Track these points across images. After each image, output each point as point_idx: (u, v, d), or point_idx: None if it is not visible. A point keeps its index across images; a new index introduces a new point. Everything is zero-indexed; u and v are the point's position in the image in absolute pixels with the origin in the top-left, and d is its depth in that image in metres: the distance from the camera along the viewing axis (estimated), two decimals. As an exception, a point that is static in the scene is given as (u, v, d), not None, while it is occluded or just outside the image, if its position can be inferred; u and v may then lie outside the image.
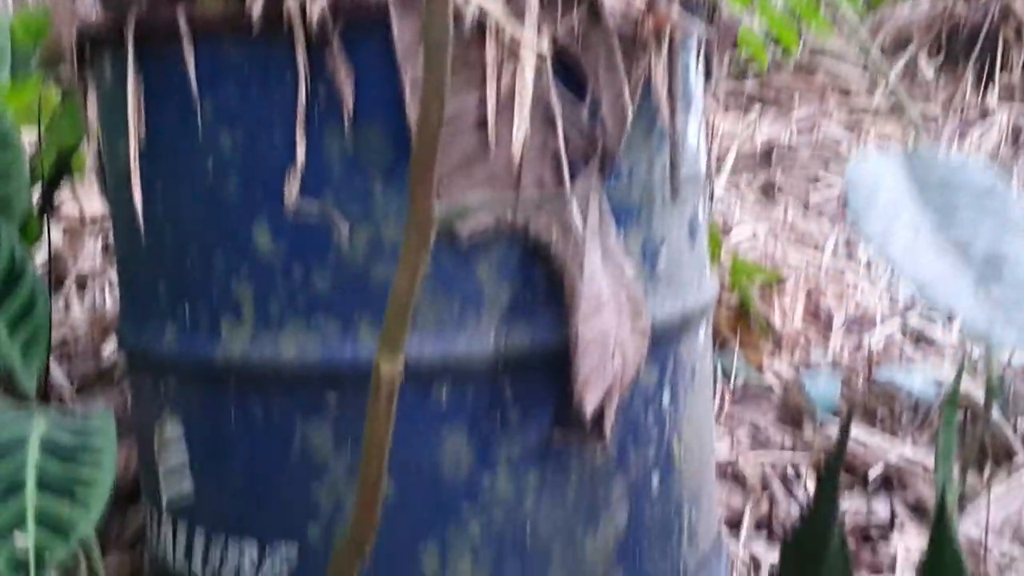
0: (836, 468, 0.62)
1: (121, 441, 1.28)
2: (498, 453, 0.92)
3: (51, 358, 1.48)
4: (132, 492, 1.29)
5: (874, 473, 1.40)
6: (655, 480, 0.99)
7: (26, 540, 0.67)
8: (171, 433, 0.98)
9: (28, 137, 1.37)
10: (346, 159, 0.87)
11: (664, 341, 0.98)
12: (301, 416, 0.91)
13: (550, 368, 0.91)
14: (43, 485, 0.70)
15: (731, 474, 1.42)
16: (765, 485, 1.40)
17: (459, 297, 0.90)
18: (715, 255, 1.64)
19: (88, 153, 1.30)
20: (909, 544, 1.27)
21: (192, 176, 0.92)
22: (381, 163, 0.87)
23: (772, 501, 1.37)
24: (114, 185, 1.02)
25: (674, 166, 0.96)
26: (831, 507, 0.61)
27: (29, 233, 1.30)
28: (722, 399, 1.58)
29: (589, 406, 0.88)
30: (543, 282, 0.91)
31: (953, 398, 0.97)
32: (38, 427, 0.75)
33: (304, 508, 0.92)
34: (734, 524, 1.34)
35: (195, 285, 0.93)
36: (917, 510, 1.36)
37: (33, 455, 0.72)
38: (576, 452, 0.94)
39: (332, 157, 0.88)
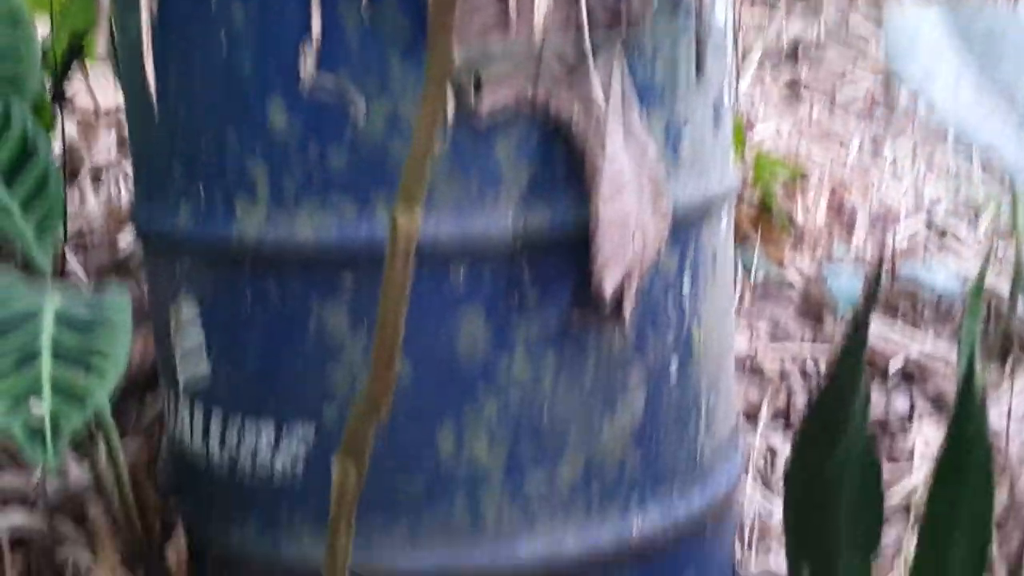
0: (863, 327, 0.60)
1: (137, 330, 1.28)
2: (515, 335, 0.91)
3: (67, 249, 1.48)
4: (149, 380, 1.30)
5: (895, 367, 1.40)
6: (674, 366, 0.98)
7: (42, 407, 0.67)
8: (187, 315, 0.97)
9: (41, 28, 1.34)
10: (363, 32, 0.85)
11: (685, 226, 0.97)
12: (317, 297, 0.90)
13: (569, 250, 0.90)
14: (58, 355, 0.70)
15: (750, 367, 1.41)
16: (784, 378, 1.40)
17: (477, 177, 0.88)
18: (738, 151, 1.61)
19: (101, 36, 1.27)
20: (928, 436, 1.26)
21: (205, 51, 0.90)
22: (399, 36, 0.85)
23: (790, 393, 1.37)
24: (127, 64, 1.00)
25: (700, 44, 0.93)
26: (857, 369, 0.60)
27: (42, 120, 1.28)
28: (742, 294, 1.56)
29: (608, 288, 0.87)
30: (563, 162, 0.89)
31: (979, 285, 0.95)
32: (53, 300, 0.74)
33: (320, 389, 0.92)
34: (752, 416, 1.34)
35: (209, 164, 0.92)
36: (937, 403, 1.35)
37: (48, 326, 0.71)
38: (594, 336, 0.93)
39: (348, 30, 0.85)
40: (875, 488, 0.63)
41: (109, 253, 1.58)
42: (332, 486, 0.52)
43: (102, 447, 1.07)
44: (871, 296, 0.59)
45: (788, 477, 0.67)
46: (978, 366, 0.68)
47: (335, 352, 0.91)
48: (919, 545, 0.67)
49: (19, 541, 1.12)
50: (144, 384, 1.30)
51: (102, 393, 0.70)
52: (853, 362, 0.60)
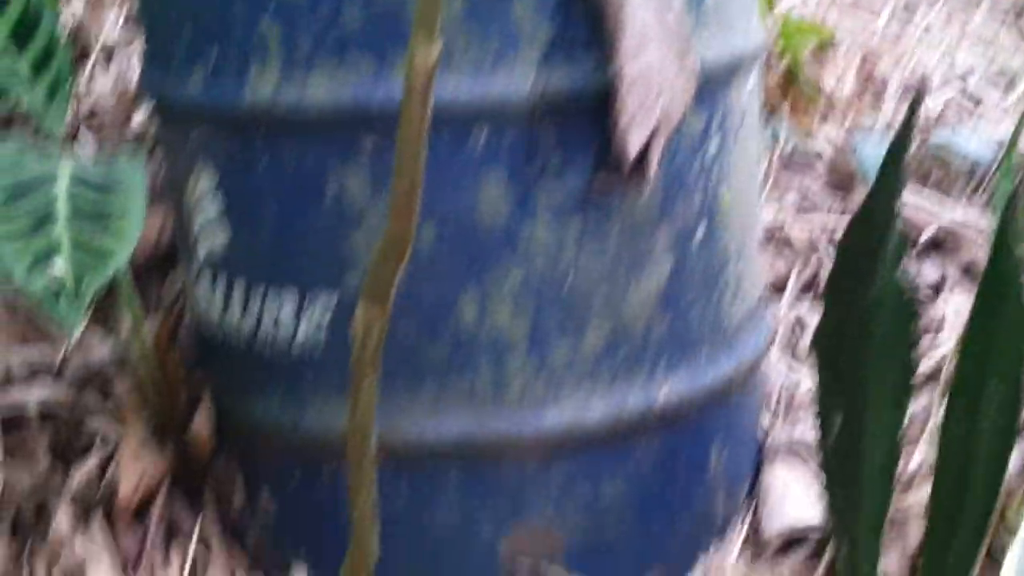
0: (903, 146, 0.57)
1: (155, 208, 1.27)
2: (538, 201, 0.89)
3: (80, 126, 1.46)
4: (169, 259, 1.29)
5: (925, 236, 1.37)
6: (700, 231, 0.96)
7: (63, 267, 0.66)
8: (204, 185, 0.95)
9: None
10: None
11: (712, 85, 0.93)
12: (335, 162, 0.88)
13: (592, 111, 0.87)
14: (75, 216, 0.69)
15: (777, 238, 1.39)
16: (812, 249, 1.37)
17: (496, 37, 0.85)
18: (764, 19, 1.56)
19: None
20: (959, 306, 1.24)
21: (210, -93, 0.86)
22: None
23: (819, 265, 1.35)
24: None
25: None
26: (893, 200, 0.57)
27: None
28: (769, 165, 1.53)
29: (633, 147, 0.84)
30: (584, 19, 0.86)
31: (1012, 145, 0.92)
32: (67, 164, 0.72)
33: (341, 257, 0.91)
34: (780, 288, 1.32)
35: (219, 25, 0.89)
36: (968, 273, 1.32)
37: (63, 188, 0.70)
38: (619, 200, 0.91)
39: None
40: (909, 330, 0.61)
41: (121, 133, 1.56)
42: (355, 334, 0.50)
43: (126, 322, 1.06)
44: (908, 126, 0.56)
45: (821, 319, 0.65)
46: (1012, 226, 0.65)
47: (355, 219, 0.89)
48: (948, 408, 0.66)
49: (46, 414, 1.12)
50: (164, 263, 1.30)
51: (122, 253, 0.68)
52: (890, 193, 0.58)
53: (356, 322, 0.49)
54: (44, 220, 0.69)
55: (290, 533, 1.04)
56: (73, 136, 1.41)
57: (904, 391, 0.63)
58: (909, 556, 0.97)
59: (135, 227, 0.70)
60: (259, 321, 0.96)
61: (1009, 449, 0.64)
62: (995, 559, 0.85)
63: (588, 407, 0.94)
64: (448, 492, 0.96)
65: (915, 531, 1.00)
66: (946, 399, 0.66)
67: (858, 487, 0.66)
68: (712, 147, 0.95)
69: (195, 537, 1.06)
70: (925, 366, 1.17)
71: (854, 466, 0.65)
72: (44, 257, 0.66)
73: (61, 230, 0.68)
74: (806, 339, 1.28)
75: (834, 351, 0.64)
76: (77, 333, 1.12)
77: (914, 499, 1.00)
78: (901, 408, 0.63)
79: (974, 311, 0.63)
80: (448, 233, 0.89)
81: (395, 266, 0.46)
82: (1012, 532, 0.79)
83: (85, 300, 0.66)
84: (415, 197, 0.44)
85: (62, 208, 0.69)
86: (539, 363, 0.92)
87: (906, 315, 0.60)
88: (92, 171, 0.74)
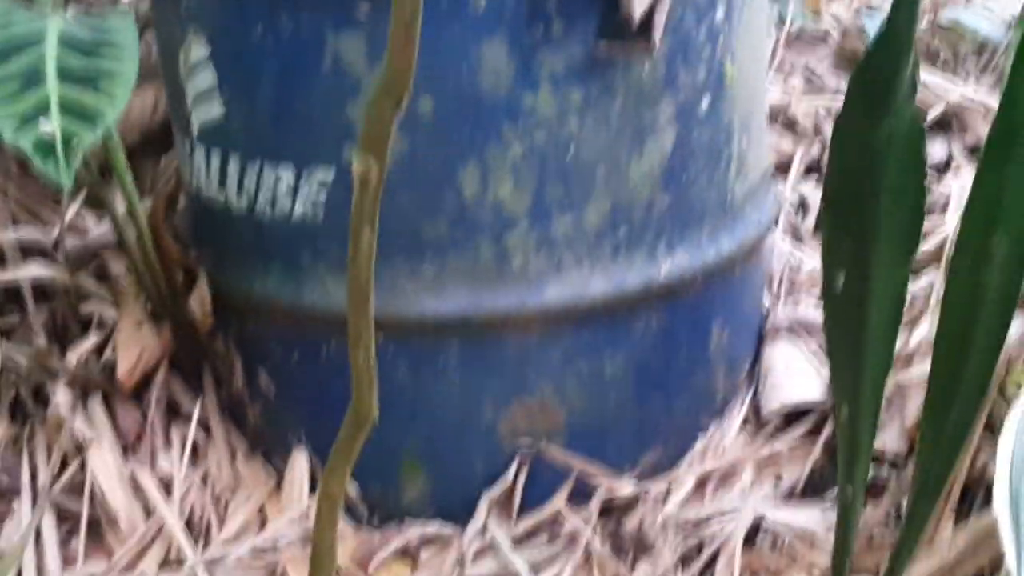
0: None
1: (148, 85, 1.24)
2: (540, 69, 0.87)
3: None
4: (164, 139, 1.26)
5: (933, 114, 1.34)
6: (705, 103, 0.94)
7: (52, 127, 0.64)
8: (197, 55, 0.92)
9: None
10: None
11: (720, -50, 0.90)
12: (332, 29, 0.85)
13: (596, -26, 0.84)
14: (64, 76, 0.67)
15: (783, 119, 1.36)
16: (818, 130, 1.35)
17: None
18: None
19: None
20: (966, 185, 1.22)
21: None
22: None
23: (824, 145, 1.32)
24: None
25: None
26: (909, 29, 0.55)
27: None
28: (776, 45, 1.49)
29: (637, 10, 0.82)
30: None
31: (1022, 18, 0.89)
32: (55, 24, 0.70)
33: (338, 129, 0.88)
34: (784, 168, 1.30)
35: None
36: (975, 153, 1.30)
37: (52, 47, 0.68)
38: (622, 69, 0.88)
39: None
40: (917, 175, 0.59)
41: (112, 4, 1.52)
42: (353, 184, 0.49)
43: (121, 203, 1.05)
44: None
45: (829, 163, 0.63)
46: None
47: (352, 89, 0.87)
48: (952, 264, 0.64)
49: (42, 294, 1.11)
50: (158, 144, 1.27)
51: (112, 112, 0.67)
52: (906, 20, 0.55)
53: (354, 171, 0.47)
54: (33, 80, 0.67)
55: (289, 413, 1.04)
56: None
57: (912, 239, 0.61)
58: (908, 430, 0.97)
59: (125, 88, 0.68)
60: (256, 197, 0.94)
61: (1012, 306, 0.63)
62: (994, 432, 0.85)
63: (589, 282, 0.93)
64: (449, 369, 0.95)
65: (914, 407, 1.00)
66: (952, 256, 0.64)
67: (862, 342, 0.65)
68: (718, 14, 0.92)
69: (195, 419, 1.06)
70: (930, 244, 1.16)
71: (859, 318, 0.64)
72: (33, 116, 0.64)
73: (50, 90, 0.66)
74: (809, 220, 1.27)
75: (842, 197, 0.62)
76: (73, 207, 1.10)
77: (915, 374, 1.00)
78: (909, 257, 0.62)
79: (982, 164, 0.61)
80: (448, 103, 0.87)
81: (394, 108, 0.44)
82: (1010, 403, 0.78)
83: (75, 158, 0.64)
84: (415, 28, 0.42)
85: (51, 68, 0.67)
86: (540, 238, 0.91)
87: (916, 156, 0.58)
88: (82, 31, 0.71)
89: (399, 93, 0.43)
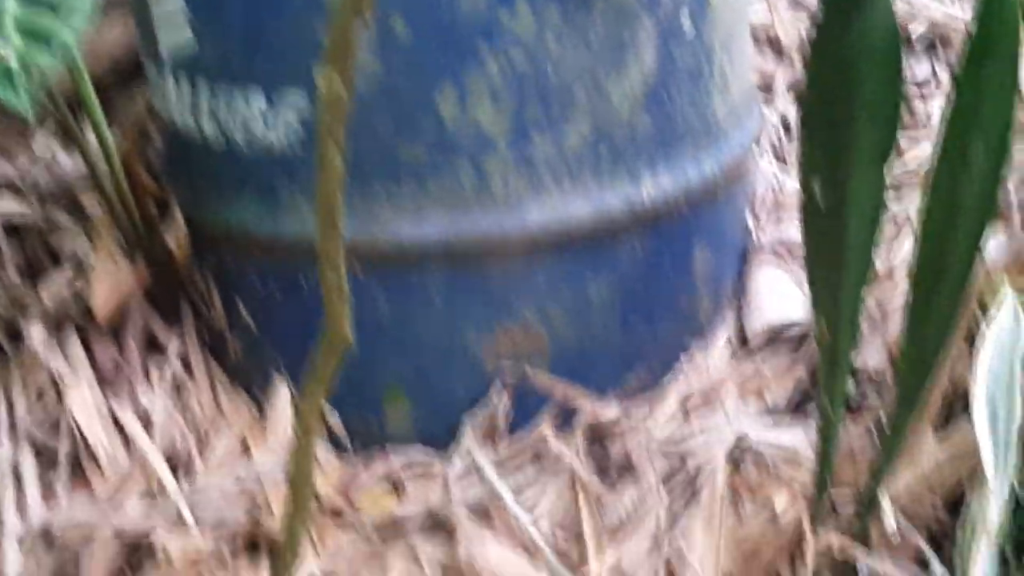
0: None
1: (116, 16, 1.21)
2: (516, -14, 0.85)
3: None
4: (135, 72, 1.23)
5: (916, 32, 1.32)
6: (685, 20, 0.92)
7: (9, 49, 0.62)
8: (162, -22, 0.90)
9: None
10: None
11: None
12: (299, -53, 0.83)
13: None
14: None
15: (766, 38, 1.34)
16: (801, 50, 1.33)
17: None
18: None
19: None
20: (948, 102, 1.21)
21: None
22: None
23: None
24: None
25: None
26: None
27: None
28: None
29: (616, -78, 0.79)
30: None
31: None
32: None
33: (310, 52, 0.86)
34: (767, 89, 1.28)
35: None
36: (958, 70, 1.29)
37: (9, -30, 0.65)
38: (601, -15, 0.86)
39: None
40: (894, 83, 0.58)
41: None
42: (318, 100, 0.47)
43: (91, 136, 1.02)
44: None
45: (806, 69, 0.62)
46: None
47: (321, 8, 0.84)
48: (936, 160, 0.63)
49: (14, 229, 1.09)
50: (129, 76, 1.24)
51: (70, 32, 0.64)
52: None
53: (318, 86, 0.46)
54: (-10, 4, 0.65)
55: (270, 346, 1.02)
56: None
57: (888, 142, 0.60)
58: (889, 348, 0.97)
59: (84, 8, 0.65)
60: (228, 125, 0.92)
61: (989, 216, 0.63)
62: (972, 345, 0.85)
63: (571, 205, 0.92)
64: (430, 295, 0.94)
65: (896, 326, 0.99)
66: (930, 168, 0.63)
67: (840, 253, 0.64)
68: (699, -72, 0.90)
69: (174, 353, 1.05)
70: (912, 163, 1.15)
71: (836, 230, 0.63)
72: (-10, 42, 0.62)
73: (5, 14, 0.63)
74: (793, 141, 1.25)
75: (817, 104, 0.61)
76: (44, 141, 1.08)
77: (897, 293, 1.00)
78: (884, 164, 0.61)
79: (959, 76, 0.60)
80: (425, 24, 0.85)
81: (356, 26, 0.43)
82: (988, 316, 0.78)
83: (34, 82, 0.62)
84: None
85: (8, -11, 0.65)
86: (520, 160, 0.90)
87: (892, 57, 0.57)
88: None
89: (360, 3, 0.41)
